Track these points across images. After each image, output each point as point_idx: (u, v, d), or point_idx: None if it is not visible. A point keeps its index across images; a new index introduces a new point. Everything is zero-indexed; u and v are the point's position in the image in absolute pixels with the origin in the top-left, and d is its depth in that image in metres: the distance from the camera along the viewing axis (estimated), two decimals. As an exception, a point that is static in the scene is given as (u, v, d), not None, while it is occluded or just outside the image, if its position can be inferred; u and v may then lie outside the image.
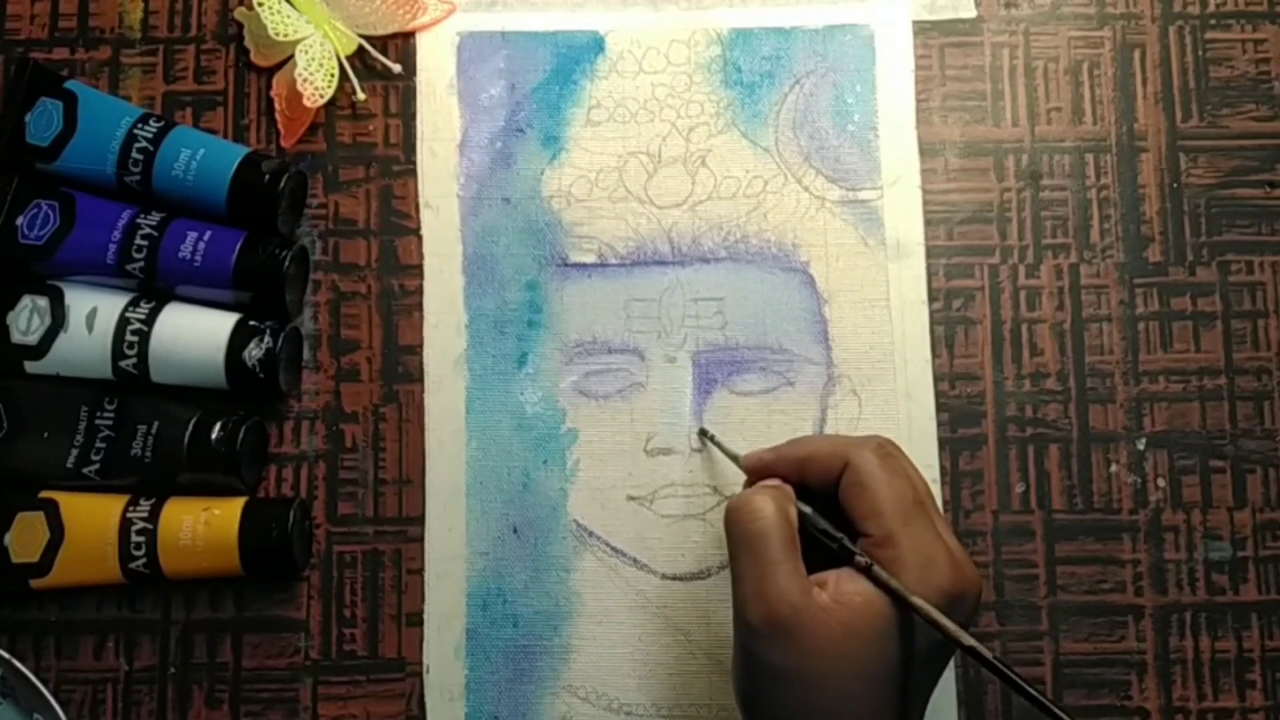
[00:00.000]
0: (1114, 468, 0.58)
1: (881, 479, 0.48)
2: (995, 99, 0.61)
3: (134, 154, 0.56)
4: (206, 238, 0.56)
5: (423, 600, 0.57)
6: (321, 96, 0.59)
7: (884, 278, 0.59)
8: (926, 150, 0.60)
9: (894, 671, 0.46)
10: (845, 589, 0.46)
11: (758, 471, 0.51)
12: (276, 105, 0.60)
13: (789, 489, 0.50)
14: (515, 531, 0.57)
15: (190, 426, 0.55)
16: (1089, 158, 0.60)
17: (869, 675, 0.46)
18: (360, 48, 0.60)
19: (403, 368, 0.59)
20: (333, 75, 0.59)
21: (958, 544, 0.48)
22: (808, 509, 0.49)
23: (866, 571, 0.46)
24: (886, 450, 0.49)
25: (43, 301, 0.56)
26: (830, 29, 0.61)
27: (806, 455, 0.50)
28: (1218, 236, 0.60)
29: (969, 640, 0.45)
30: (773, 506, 0.48)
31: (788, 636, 0.45)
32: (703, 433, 0.57)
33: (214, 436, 0.55)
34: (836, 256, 0.59)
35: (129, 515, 0.54)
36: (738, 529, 0.48)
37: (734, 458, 0.55)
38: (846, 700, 0.45)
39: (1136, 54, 0.61)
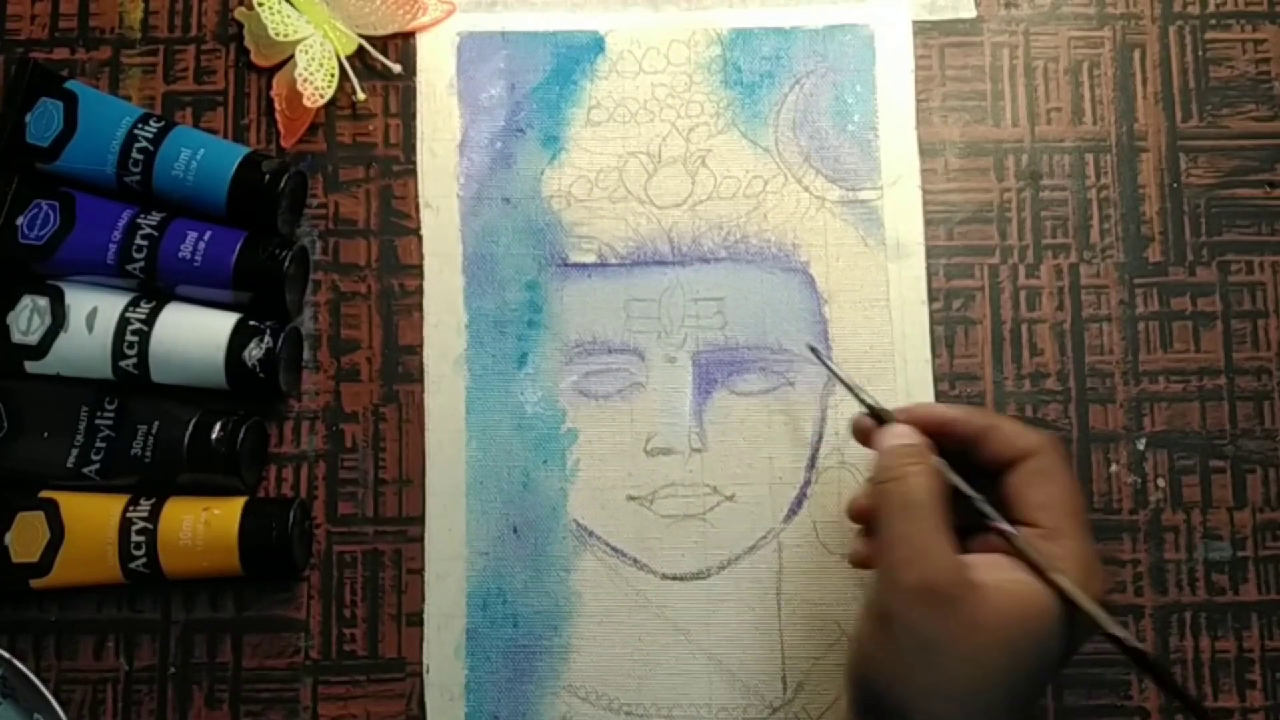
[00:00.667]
0: (1114, 468, 0.58)
1: (1067, 475, 0.48)
2: (995, 99, 0.61)
3: (134, 154, 0.56)
4: (206, 238, 0.56)
5: (423, 600, 0.57)
6: (321, 96, 0.59)
7: (884, 278, 0.59)
8: (926, 150, 0.60)
9: (1041, 668, 0.45)
10: (1004, 575, 0.45)
11: (930, 426, 0.49)
12: (276, 105, 0.60)
13: (939, 459, 0.48)
14: (515, 531, 0.57)
15: (190, 426, 0.55)
16: (1089, 158, 0.60)
17: (1021, 664, 0.44)
18: (360, 48, 0.60)
19: (403, 368, 0.59)
20: (333, 75, 0.59)
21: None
22: (968, 489, 0.48)
23: (1019, 555, 0.46)
24: (1064, 450, 0.49)
25: (43, 301, 0.56)
26: (830, 29, 0.61)
27: (989, 427, 0.49)
28: (1218, 236, 0.60)
29: (1133, 641, 0.45)
30: (928, 478, 0.47)
31: (945, 605, 0.44)
32: (813, 349, 0.57)
33: (214, 436, 0.55)
34: (836, 256, 0.59)
35: (129, 515, 0.54)
36: (895, 494, 0.47)
37: (868, 404, 0.52)
38: (992, 684, 0.44)
39: (1136, 54, 0.61)
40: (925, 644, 0.44)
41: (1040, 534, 0.46)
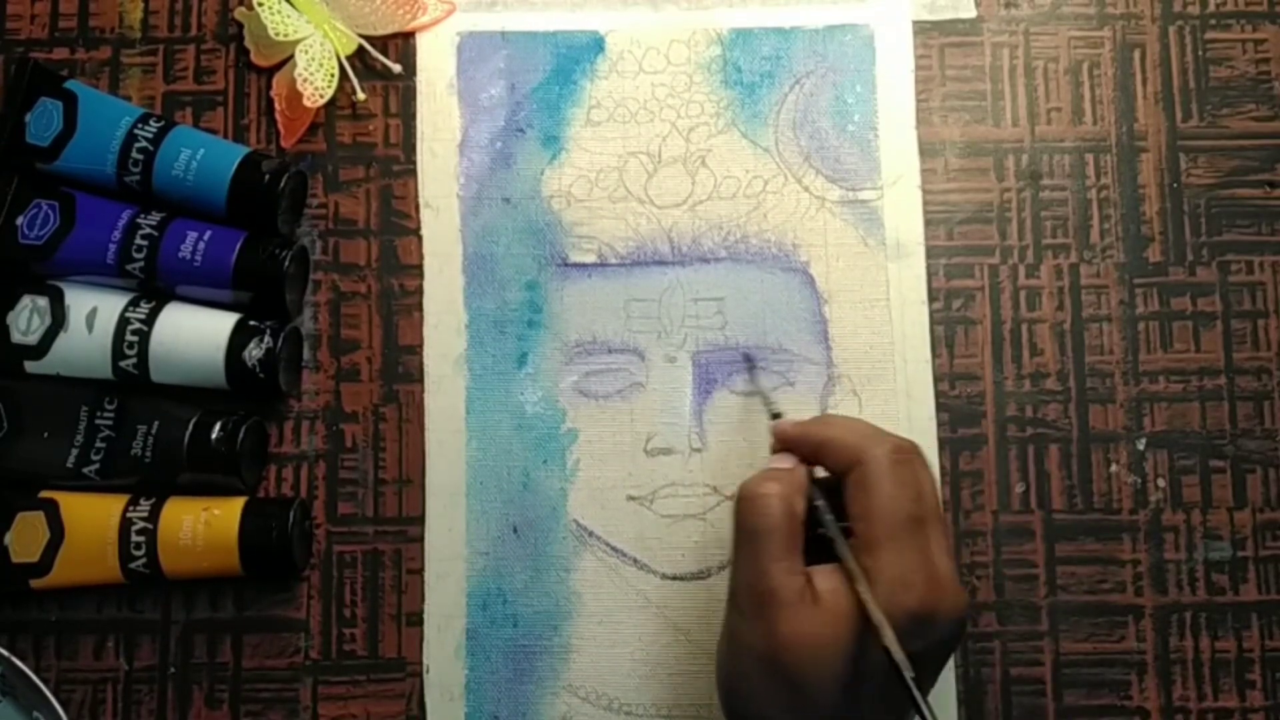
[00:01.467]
0: (1114, 468, 0.58)
1: (884, 486, 0.48)
2: (995, 99, 0.61)
3: (134, 154, 0.56)
4: (206, 238, 0.56)
5: (423, 600, 0.57)
6: (321, 96, 0.59)
7: (884, 278, 0.59)
8: (926, 150, 0.60)
9: (853, 678, 0.46)
10: (822, 586, 0.47)
11: (781, 443, 0.51)
12: (276, 105, 0.60)
13: (802, 474, 0.50)
14: (515, 531, 0.57)
15: (190, 426, 0.55)
16: (1089, 158, 0.60)
17: (832, 675, 0.46)
18: (360, 48, 0.60)
19: (403, 368, 0.59)
20: (333, 75, 0.59)
21: (950, 568, 0.48)
22: (820, 502, 0.49)
23: (840, 558, 0.47)
24: (903, 456, 0.49)
25: (43, 301, 0.56)
26: (830, 29, 0.61)
27: (823, 442, 0.50)
28: (1218, 236, 0.60)
29: (898, 652, 0.45)
30: (779, 504, 0.48)
31: (770, 628, 0.46)
32: (748, 358, 0.57)
33: (214, 436, 0.55)
34: (836, 256, 0.59)
35: (129, 515, 0.54)
36: (744, 521, 0.48)
37: (772, 413, 0.55)
38: (813, 695, 0.46)
39: (1136, 54, 0.61)
40: (758, 658, 0.47)
41: (857, 546, 0.47)
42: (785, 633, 0.46)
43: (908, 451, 0.49)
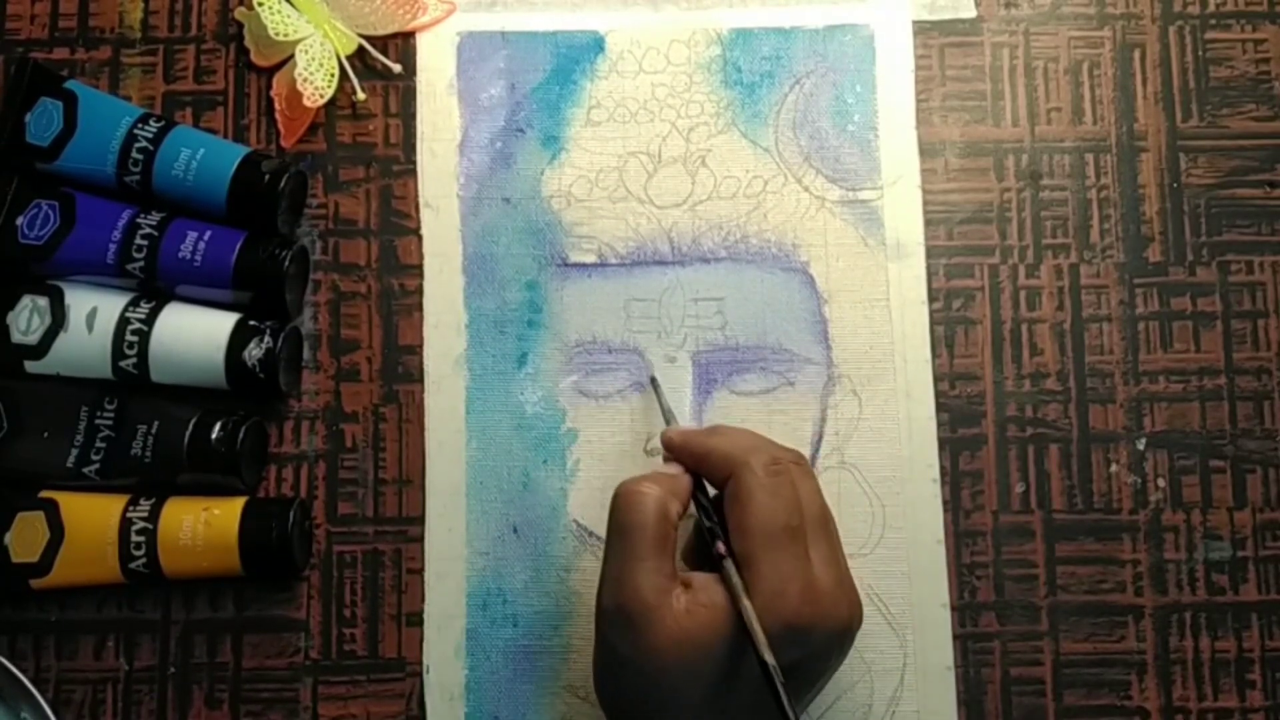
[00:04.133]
0: (1114, 468, 0.58)
1: (757, 499, 0.48)
2: (995, 99, 0.61)
3: (134, 154, 0.56)
4: (206, 238, 0.56)
5: (423, 600, 0.57)
6: (321, 96, 0.59)
7: (884, 278, 0.59)
8: (926, 150, 0.60)
9: (722, 685, 0.47)
10: (700, 598, 0.47)
11: (666, 450, 0.52)
12: (276, 105, 0.60)
13: (685, 480, 0.51)
14: (515, 531, 0.57)
15: (190, 426, 0.55)
16: (1089, 158, 0.60)
17: (695, 681, 0.46)
18: (360, 48, 0.60)
19: (403, 368, 0.59)
20: (333, 75, 0.59)
21: (834, 578, 0.48)
22: (703, 498, 0.50)
23: (723, 566, 0.48)
24: (777, 469, 0.49)
25: (43, 301, 0.56)
26: (830, 29, 0.61)
27: (703, 454, 0.51)
28: (1218, 236, 0.60)
29: (768, 656, 0.45)
30: (652, 503, 0.49)
31: (632, 629, 0.47)
32: (654, 381, 0.57)
33: (214, 436, 0.55)
34: (836, 256, 0.59)
35: (129, 515, 0.54)
36: (616, 517, 0.49)
37: (667, 419, 0.56)
38: (670, 698, 0.47)
39: (1136, 54, 0.61)
40: (620, 659, 0.48)
41: (735, 561, 0.48)
42: (649, 638, 0.46)
43: (783, 462, 0.49)
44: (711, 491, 0.52)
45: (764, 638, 0.45)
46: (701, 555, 0.51)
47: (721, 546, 0.49)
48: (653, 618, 0.47)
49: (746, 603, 0.46)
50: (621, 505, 0.49)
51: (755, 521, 0.48)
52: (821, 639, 0.48)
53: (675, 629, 0.47)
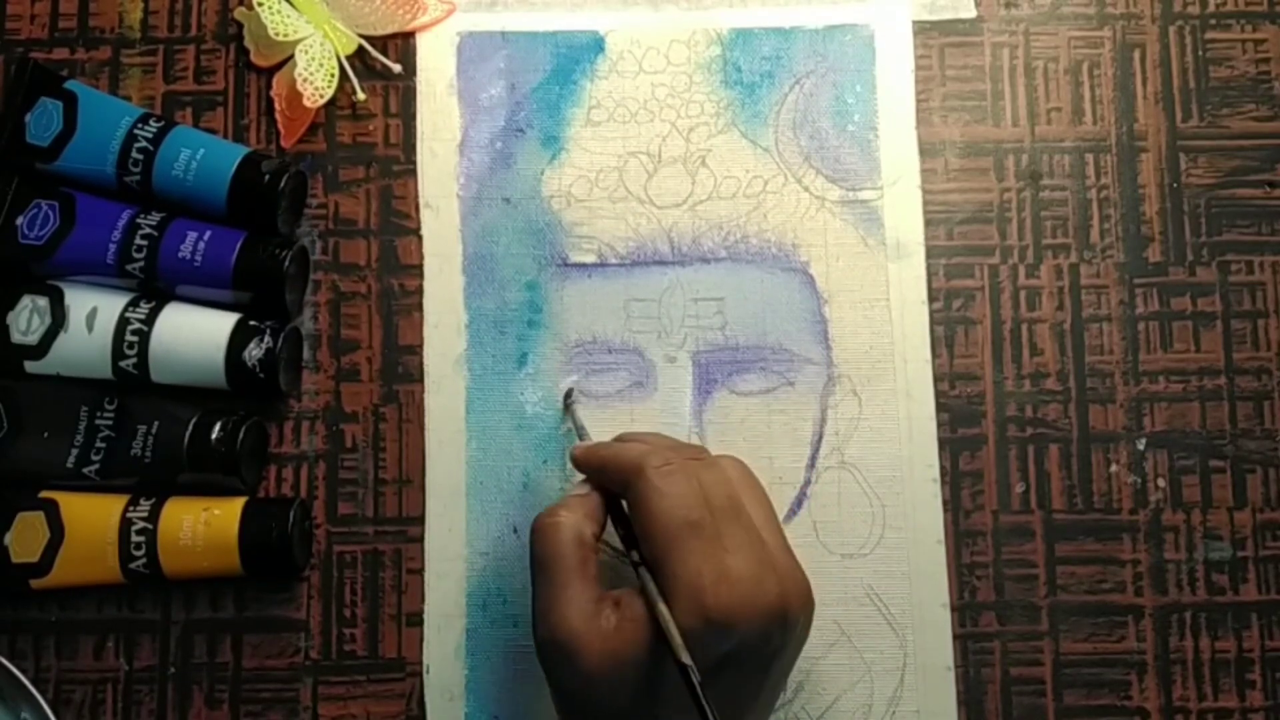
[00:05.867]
0: (1114, 468, 0.58)
1: (653, 500, 0.48)
2: (995, 99, 0.61)
3: (134, 154, 0.56)
4: (206, 238, 0.56)
5: (423, 600, 0.57)
6: (321, 96, 0.59)
7: (884, 278, 0.59)
8: (926, 150, 0.60)
9: (648, 694, 0.47)
10: (627, 613, 0.47)
11: (575, 467, 0.53)
12: (276, 105, 0.60)
13: (596, 499, 0.51)
14: (515, 531, 0.57)
15: (190, 426, 0.55)
16: (1089, 158, 0.60)
17: (635, 699, 0.47)
18: (360, 48, 0.60)
19: (403, 368, 0.59)
20: (333, 75, 0.59)
21: (749, 563, 0.47)
22: (619, 514, 0.50)
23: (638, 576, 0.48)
24: (668, 468, 0.48)
25: (43, 301, 0.56)
26: (830, 29, 0.61)
27: (599, 468, 0.51)
28: (1218, 236, 0.60)
29: (684, 657, 0.45)
30: (566, 531, 0.49)
31: (566, 658, 0.47)
32: (568, 396, 0.58)
33: (214, 436, 0.55)
34: (836, 256, 0.59)
35: (129, 515, 0.54)
36: (534, 551, 0.49)
37: (580, 435, 0.56)
38: (605, 711, 0.47)
39: (1136, 54, 0.61)
40: (557, 686, 0.49)
41: (648, 568, 0.48)
42: (580, 662, 0.47)
43: (673, 462, 0.49)
44: None
45: (679, 638, 0.45)
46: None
47: (636, 555, 0.49)
48: (580, 644, 0.47)
49: (662, 606, 0.46)
50: (537, 539, 0.49)
51: (655, 523, 0.47)
52: (751, 626, 0.46)
53: (603, 649, 0.47)
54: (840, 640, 0.56)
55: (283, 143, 0.60)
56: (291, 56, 0.59)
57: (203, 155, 0.56)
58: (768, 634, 0.47)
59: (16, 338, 0.56)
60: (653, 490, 0.48)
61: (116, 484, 0.55)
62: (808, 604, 0.49)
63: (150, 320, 0.55)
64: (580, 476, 0.53)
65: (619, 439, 0.53)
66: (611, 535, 0.51)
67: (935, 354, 0.59)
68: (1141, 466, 0.58)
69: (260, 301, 0.56)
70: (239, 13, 0.61)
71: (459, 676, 0.56)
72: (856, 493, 0.57)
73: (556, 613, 0.48)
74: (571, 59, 0.61)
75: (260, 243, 0.56)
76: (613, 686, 0.47)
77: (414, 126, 0.60)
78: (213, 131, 0.60)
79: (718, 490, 0.48)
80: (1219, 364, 0.59)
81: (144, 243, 0.55)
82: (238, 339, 0.55)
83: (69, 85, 0.58)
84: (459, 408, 0.58)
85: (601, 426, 0.58)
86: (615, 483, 0.50)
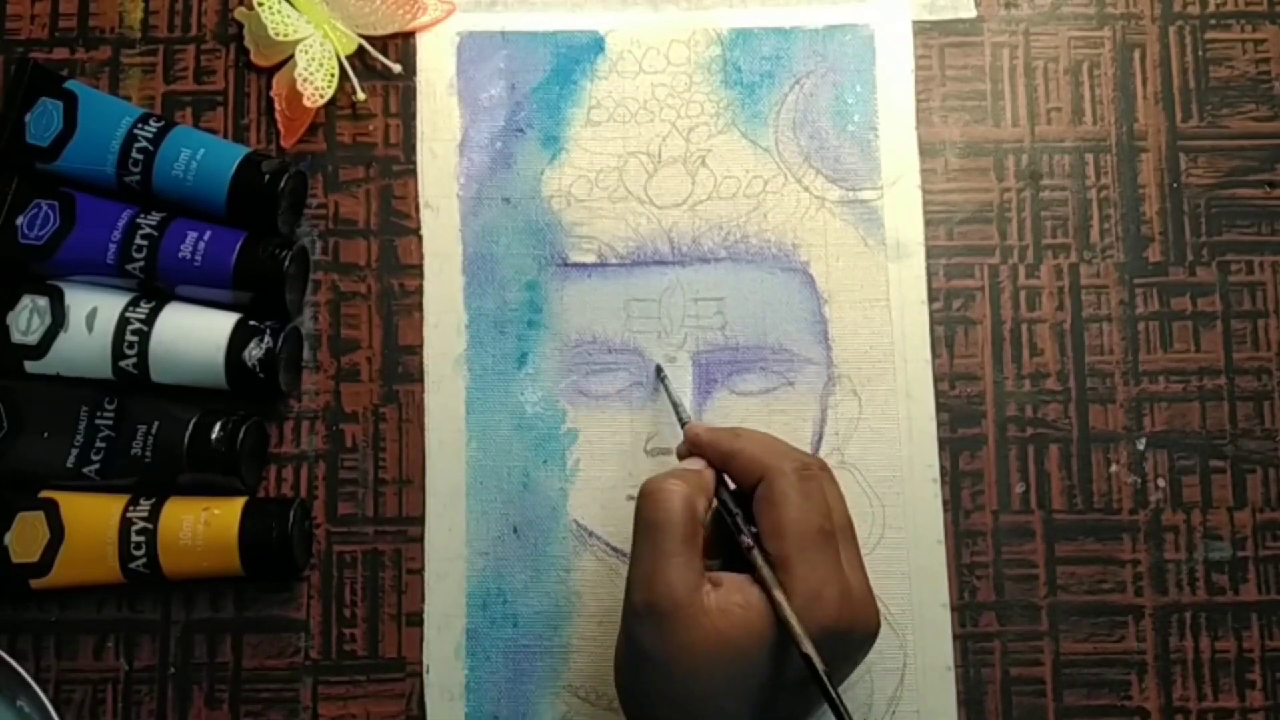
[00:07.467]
0: (1114, 468, 0.58)
1: (792, 501, 0.48)
2: (995, 99, 0.61)
3: (134, 154, 0.56)
4: (206, 238, 0.56)
5: (423, 600, 0.57)
6: (321, 96, 0.59)
7: (884, 278, 0.59)
8: (926, 150, 0.60)
9: (757, 687, 0.46)
10: (732, 597, 0.47)
11: (692, 446, 0.52)
12: (276, 105, 0.60)
13: (709, 477, 0.51)
14: (515, 531, 0.57)
15: (190, 426, 0.55)
16: (1089, 158, 0.60)
17: (730, 683, 0.46)
18: (360, 48, 0.60)
19: (403, 368, 0.59)
20: (333, 75, 0.59)
21: (863, 583, 0.48)
22: (727, 496, 0.50)
23: (753, 565, 0.47)
24: (809, 473, 0.49)
25: (43, 301, 0.56)
26: (830, 29, 0.61)
27: (731, 453, 0.50)
28: (1218, 236, 0.60)
29: (809, 649, 0.45)
30: (679, 500, 0.48)
31: (662, 627, 0.46)
32: (659, 371, 0.57)
33: (214, 436, 0.55)
34: (836, 256, 0.59)
35: (129, 515, 0.54)
36: (643, 514, 0.49)
37: (680, 418, 0.55)
38: (704, 700, 0.46)
39: (1136, 54, 0.61)
40: (648, 657, 0.47)
41: (769, 563, 0.48)
42: (682, 635, 0.46)
43: (814, 468, 0.49)
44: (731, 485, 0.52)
45: (802, 632, 0.45)
46: (720, 551, 0.50)
47: (748, 538, 0.48)
48: (684, 615, 0.46)
49: (780, 595, 0.46)
50: (649, 503, 0.49)
51: (790, 524, 0.47)
52: (855, 643, 0.48)
53: (709, 627, 0.46)
54: (840, 640, 0.56)
55: (283, 143, 0.60)
56: (291, 56, 0.59)
57: (203, 155, 0.56)
58: (860, 654, 0.49)
59: (16, 338, 0.56)
60: (794, 491, 0.48)
61: (116, 484, 0.55)
62: (878, 633, 0.50)
63: (150, 320, 0.55)
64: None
65: (736, 432, 0.52)
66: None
67: (935, 354, 0.59)
68: (1141, 466, 0.58)
69: (260, 301, 0.56)
70: (239, 13, 0.61)
71: (459, 676, 0.56)
72: (856, 493, 0.57)
73: (661, 579, 0.47)
74: (571, 59, 0.61)
75: (260, 243, 0.56)
76: (716, 675, 0.46)
77: (414, 126, 0.60)
78: (213, 131, 0.60)
79: (840, 507, 0.50)
80: (1219, 364, 0.59)
81: (144, 243, 0.55)
82: (238, 339, 0.55)
83: (69, 85, 0.58)
84: (459, 408, 0.58)
85: (602, 426, 0.58)
86: (744, 474, 0.50)
